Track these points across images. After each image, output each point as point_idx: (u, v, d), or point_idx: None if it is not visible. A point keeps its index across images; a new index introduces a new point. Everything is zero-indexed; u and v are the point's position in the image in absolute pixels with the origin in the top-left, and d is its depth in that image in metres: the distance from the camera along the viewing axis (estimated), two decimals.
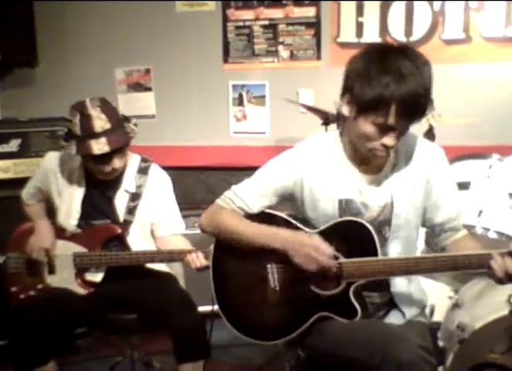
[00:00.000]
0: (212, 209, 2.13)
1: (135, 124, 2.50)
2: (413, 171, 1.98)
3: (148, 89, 3.78)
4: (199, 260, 2.40)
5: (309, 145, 2.05)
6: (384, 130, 1.81)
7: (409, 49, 1.82)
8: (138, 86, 3.79)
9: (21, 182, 2.89)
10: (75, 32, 3.81)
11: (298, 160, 2.02)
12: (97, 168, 2.45)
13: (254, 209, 2.06)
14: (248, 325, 2.06)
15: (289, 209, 2.12)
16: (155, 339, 2.59)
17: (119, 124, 2.43)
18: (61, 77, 3.83)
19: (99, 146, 2.34)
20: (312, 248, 1.90)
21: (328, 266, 1.91)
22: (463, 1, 3.39)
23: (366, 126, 1.82)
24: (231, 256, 2.05)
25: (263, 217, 2.06)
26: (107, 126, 2.37)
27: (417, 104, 1.77)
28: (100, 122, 2.36)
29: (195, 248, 2.46)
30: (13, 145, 3.19)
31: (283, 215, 2.06)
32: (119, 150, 2.42)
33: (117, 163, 2.45)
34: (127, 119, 2.51)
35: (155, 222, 2.61)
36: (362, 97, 1.79)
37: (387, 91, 1.74)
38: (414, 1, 3.44)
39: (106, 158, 2.40)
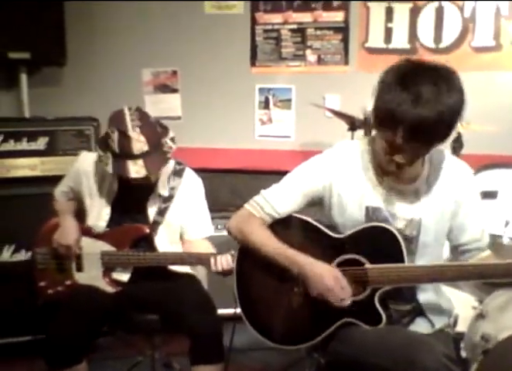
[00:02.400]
0: (240, 216, 2.12)
1: (172, 139, 2.47)
2: (443, 189, 1.97)
3: (175, 90, 3.80)
4: (226, 263, 2.41)
5: (340, 151, 2.04)
6: (393, 148, 1.80)
7: (443, 71, 1.77)
8: (164, 88, 3.81)
9: (47, 180, 2.93)
10: (103, 33, 3.83)
11: (329, 165, 2.02)
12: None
13: (283, 214, 2.06)
14: (271, 329, 2.05)
15: (311, 214, 2.13)
16: (176, 340, 2.59)
17: (157, 144, 2.40)
18: (88, 77, 3.86)
19: (136, 168, 2.34)
20: (331, 282, 1.91)
21: (341, 305, 1.92)
22: (494, 8, 3.36)
23: (379, 140, 1.84)
24: (255, 260, 2.05)
25: (291, 222, 2.07)
26: (145, 148, 2.35)
27: (427, 130, 1.72)
28: (139, 144, 2.34)
29: (220, 252, 2.47)
30: (41, 143, 3.22)
31: (311, 220, 2.06)
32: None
33: (152, 178, 2.46)
34: (164, 132, 2.48)
35: (185, 225, 2.62)
36: (377, 109, 1.79)
37: (398, 110, 1.70)
38: (445, 8, 3.41)
39: (140, 178, 2.39)
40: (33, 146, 3.21)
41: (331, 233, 2.02)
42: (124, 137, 2.34)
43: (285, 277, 2.00)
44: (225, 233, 3.19)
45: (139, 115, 2.39)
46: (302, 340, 2.02)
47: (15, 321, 3.13)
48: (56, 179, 2.79)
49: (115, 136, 2.36)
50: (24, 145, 3.19)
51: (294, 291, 2.01)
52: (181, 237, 2.65)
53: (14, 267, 3.06)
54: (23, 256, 3.14)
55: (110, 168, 2.39)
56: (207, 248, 2.58)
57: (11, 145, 3.17)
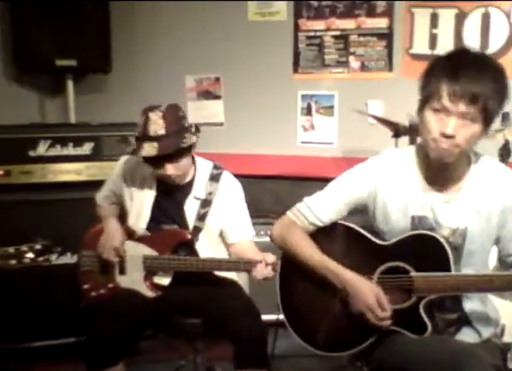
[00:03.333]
0: (283, 225, 2.12)
1: (197, 133, 2.49)
2: (489, 197, 1.92)
3: (218, 97, 3.82)
4: (266, 270, 2.40)
5: (385, 159, 2.03)
6: (442, 117, 1.79)
7: (487, 59, 1.82)
8: (207, 94, 3.84)
9: (93, 185, 2.97)
10: (147, 41, 3.88)
11: (373, 173, 2.00)
12: (157, 172, 2.47)
13: (327, 222, 2.06)
14: (313, 336, 2.04)
15: (353, 221, 2.11)
16: (219, 345, 2.59)
17: (176, 132, 2.42)
18: (133, 84, 3.91)
19: (148, 149, 2.37)
20: (373, 301, 1.89)
21: (380, 325, 1.90)
22: None
23: (427, 115, 1.82)
24: (299, 267, 2.05)
25: (335, 228, 2.06)
26: (162, 132, 2.38)
27: (469, 91, 1.75)
28: (156, 127, 2.38)
29: (262, 259, 2.47)
30: (86, 149, 3.27)
31: (355, 226, 2.04)
32: (170, 157, 2.42)
33: (170, 170, 2.44)
34: (196, 130, 2.50)
35: (226, 229, 2.62)
36: (422, 84, 1.84)
37: (441, 69, 1.79)
38: (491, 13, 3.36)
39: (156, 163, 2.42)
40: (79, 151, 3.27)
41: (375, 240, 2.00)
42: (146, 118, 2.39)
43: (328, 283, 1.99)
44: (267, 239, 3.20)
45: (170, 105, 2.44)
46: (346, 347, 2.00)
47: (59, 323, 3.18)
48: (100, 184, 2.84)
49: (141, 120, 2.42)
50: (70, 150, 3.25)
51: (337, 298, 2.00)
52: (224, 241, 2.66)
53: (59, 270, 3.11)
54: (69, 259, 3.19)
55: (130, 149, 2.45)
56: (253, 250, 2.58)
57: (57, 150, 3.23)
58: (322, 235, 2.06)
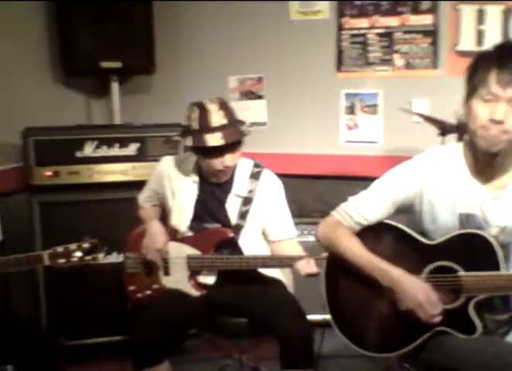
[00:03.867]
0: (329, 224, 2.11)
1: (249, 127, 2.54)
2: None
3: (260, 97, 3.83)
4: (309, 266, 2.40)
5: (431, 156, 2.00)
6: (490, 104, 1.78)
7: None
8: (250, 94, 3.85)
9: (138, 185, 3.01)
10: (190, 42, 3.91)
11: (420, 171, 1.98)
12: (209, 165, 2.49)
13: (372, 222, 2.04)
14: (361, 336, 2.03)
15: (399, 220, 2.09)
16: (264, 344, 2.60)
17: (235, 121, 2.48)
18: (176, 84, 3.94)
19: (214, 139, 2.39)
20: (423, 297, 1.87)
21: (431, 321, 1.87)
22: None
23: (474, 104, 1.81)
24: (345, 266, 2.04)
25: (381, 227, 2.04)
26: (224, 121, 2.43)
27: None
28: (218, 117, 2.42)
29: (306, 254, 2.47)
30: (132, 149, 3.32)
31: (402, 226, 2.02)
32: (232, 148, 2.45)
33: (228, 161, 2.47)
34: (241, 121, 2.56)
35: (268, 227, 2.63)
36: (469, 74, 1.84)
37: (489, 59, 1.80)
38: None
39: (219, 153, 2.44)
40: (124, 152, 3.31)
41: (422, 239, 1.98)
42: (205, 111, 2.43)
43: (375, 283, 1.97)
44: (310, 238, 3.21)
45: (218, 98, 2.51)
46: (394, 348, 1.98)
47: (107, 321, 3.23)
48: (145, 184, 2.87)
49: (195, 114, 2.44)
50: (116, 151, 3.30)
51: (385, 298, 1.98)
52: (266, 239, 2.66)
53: (106, 269, 3.17)
54: (115, 258, 3.24)
55: (190, 143, 2.44)
56: (296, 247, 2.58)
57: (104, 151, 3.28)
58: (368, 234, 2.04)
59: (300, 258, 2.43)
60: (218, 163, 2.47)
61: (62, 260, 2.26)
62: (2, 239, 2.63)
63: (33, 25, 3.57)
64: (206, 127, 2.41)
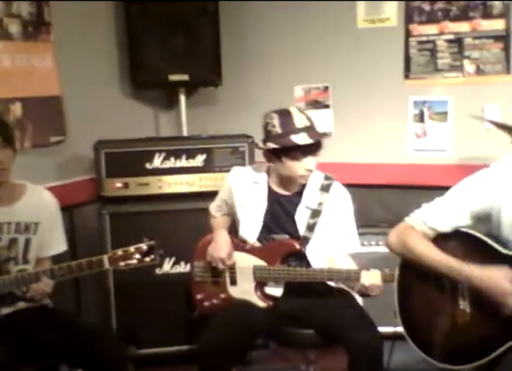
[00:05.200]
0: (401, 229, 2.08)
1: None
2: None
3: (327, 106, 3.80)
4: (374, 280, 2.36)
5: (509, 165, 1.93)
6: None
7: None
8: (316, 104, 3.82)
9: (205, 196, 3.05)
10: (256, 52, 3.92)
11: (498, 180, 1.92)
12: (290, 169, 2.49)
13: (447, 229, 1.98)
14: (434, 348, 1.97)
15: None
16: (332, 356, 2.57)
17: (314, 124, 2.52)
18: (242, 96, 3.96)
19: (301, 138, 2.42)
20: (508, 285, 1.80)
21: None
22: None
23: None
24: (419, 276, 1.99)
25: (456, 236, 1.98)
26: (307, 123, 2.47)
27: None
28: (301, 119, 2.47)
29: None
30: (198, 160, 3.36)
31: (479, 234, 1.96)
32: (314, 150, 2.47)
33: (310, 164, 2.48)
34: None
35: (332, 241, 2.60)
36: None
37: None
38: None
39: (302, 155, 2.45)
40: (192, 163, 3.35)
41: (501, 249, 1.91)
42: (286, 114, 2.47)
43: (450, 293, 1.91)
44: (378, 249, 3.15)
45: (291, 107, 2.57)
46: (467, 360, 1.92)
47: (175, 330, 3.26)
48: (211, 195, 2.90)
49: (275, 120, 2.46)
50: (183, 162, 3.34)
51: (460, 308, 1.92)
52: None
53: (174, 279, 3.21)
54: (182, 268, 3.28)
55: (274, 145, 2.45)
56: (349, 265, 2.54)
57: (171, 162, 3.34)
58: (444, 242, 1.99)
59: (362, 271, 2.39)
60: (301, 166, 2.47)
61: (122, 263, 2.30)
62: (72, 242, 2.69)
63: (104, 40, 3.68)
64: (290, 129, 2.45)
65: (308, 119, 2.50)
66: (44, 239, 2.56)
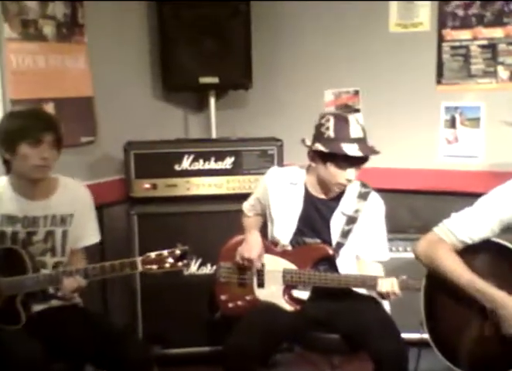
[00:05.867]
0: (430, 240, 2.05)
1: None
2: None
3: (357, 110, 3.78)
4: (392, 289, 2.34)
5: None
6: None
7: None
8: (346, 108, 3.80)
9: (232, 198, 3.05)
10: (287, 56, 3.91)
11: None
12: (332, 176, 2.48)
13: (477, 240, 1.95)
14: (459, 356, 1.94)
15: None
16: (357, 362, 2.55)
17: (367, 138, 2.49)
18: (272, 99, 3.96)
19: (352, 149, 2.39)
20: None
21: None
22: None
23: None
24: (445, 285, 1.96)
25: (487, 247, 1.94)
26: (361, 135, 2.45)
27: None
28: (357, 129, 2.44)
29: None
30: (227, 163, 3.36)
31: (509, 244, 1.92)
32: (359, 163, 2.45)
33: (351, 175, 2.46)
34: None
35: (363, 248, 2.59)
36: None
37: None
38: None
39: (347, 165, 2.44)
40: (220, 165, 3.36)
41: None
42: (343, 120, 2.45)
43: (478, 304, 1.88)
44: (405, 255, 3.13)
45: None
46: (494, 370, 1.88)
47: (199, 331, 3.27)
48: (239, 197, 2.91)
49: (331, 122, 2.44)
50: (212, 165, 3.35)
51: (487, 319, 1.89)
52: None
53: (201, 280, 3.21)
54: (208, 269, 3.29)
55: (324, 148, 2.43)
56: (379, 272, 2.52)
57: (200, 164, 3.34)
58: (472, 252, 1.96)
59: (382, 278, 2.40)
60: (342, 175, 2.46)
61: (154, 266, 2.31)
62: (101, 241, 2.72)
63: (136, 41, 3.71)
64: (344, 137, 2.42)
65: (363, 131, 2.48)
66: (78, 230, 2.58)
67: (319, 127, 2.50)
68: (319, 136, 2.49)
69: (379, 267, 2.58)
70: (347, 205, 2.56)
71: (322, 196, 2.59)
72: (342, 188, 2.53)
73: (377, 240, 2.59)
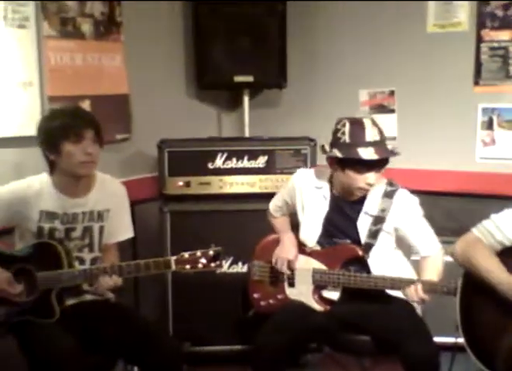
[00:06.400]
0: (467, 241, 2.03)
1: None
2: None
3: (392, 111, 3.74)
4: (417, 293, 2.31)
5: None
6: None
7: None
8: (381, 108, 3.77)
9: (264, 197, 3.05)
10: (322, 55, 3.90)
11: None
12: (351, 180, 2.46)
13: None
14: (497, 362, 1.91)
15: None
16: (388, 364, 2.52)
17: (385, 139, 2.47)
18: (306, 98, 3.95)
19: (367, 153, 2.37)
20: None
21: None
22: None
23: None
24: (483, 287, 1.93)
25: None
26: (377, 138, 2.42)
27: None
28: (372, 132, 2.42)
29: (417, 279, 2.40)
30: (260, 162, 3.36)
31: None
32: (379, 166, 2.43)
33: (372, 179, 2.44)
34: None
35: (414, 245, 2.56)
36: None
37: None
38: None
39: (366, 169, 2.41)
40: (253, 164, 3.36)
41: None
42: (359, 125, 2.42)
43: None
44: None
45: (364, 116, 2.54)
46: None
47: (230, 330, 3.27)
48: (272, 196, 2.90)
49: (347, 127, 2.42)
50: (245, 163, 3.35)
51: None
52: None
53: (232, 278, 3.22)
54: (240, 268, 3.29)
55: (340, 154, 2.41)
56: (436, 266, 2.49)
57: (233, 163, 3.35)
58: (510, 254, 1.92)
59: (411, 282, 2.36)
60: (362, 179, 2.44)
61: (188, 266, 2.32)
62: (134, 237, 2.75)
63: (171, 40, 3.74)
64: (359, 141, 2.40)
65: (380, 133, 2.45)
66: (113, 225, 2.61)
67: (335, 132, 2.48)
68: (335, 141, 2.47)
69: (437, 263, 2.51)
70: (371, 205, 2.54)
71: (349, 198, 2.57)
72: (364, 192, 2.50)
73: (422, 235, 2.55)
